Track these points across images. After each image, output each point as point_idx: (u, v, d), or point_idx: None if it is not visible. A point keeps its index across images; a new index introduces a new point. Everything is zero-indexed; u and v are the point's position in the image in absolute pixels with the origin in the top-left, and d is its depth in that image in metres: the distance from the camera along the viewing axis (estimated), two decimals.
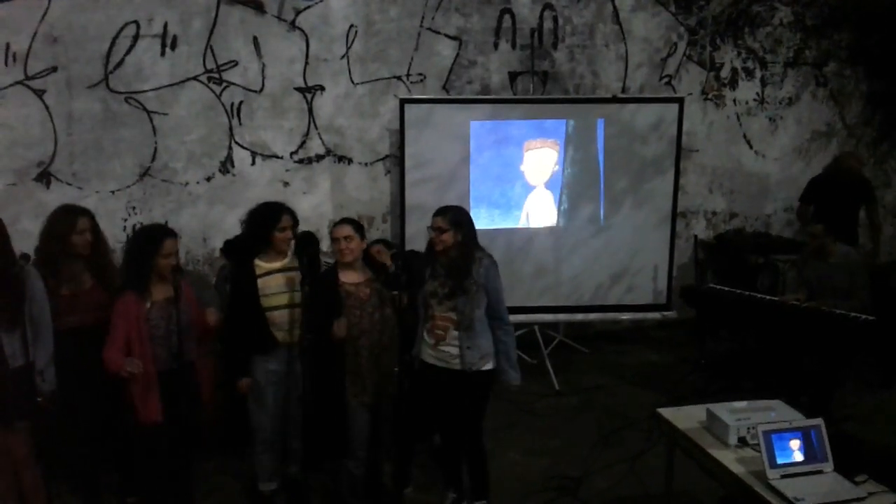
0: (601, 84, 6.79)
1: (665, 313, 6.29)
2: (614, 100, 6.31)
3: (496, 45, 6.48)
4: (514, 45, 6.53)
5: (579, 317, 6.31)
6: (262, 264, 4.03)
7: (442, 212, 3.84)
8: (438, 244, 3.80)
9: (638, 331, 7.11)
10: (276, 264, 4.05)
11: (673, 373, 6.13)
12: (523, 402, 5.57)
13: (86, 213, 3.97)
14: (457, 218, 3.83)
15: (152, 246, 3.66)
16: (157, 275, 3.67)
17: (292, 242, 4.17)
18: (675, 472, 3.82)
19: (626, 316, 6.50)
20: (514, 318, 5.87)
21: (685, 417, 3.69)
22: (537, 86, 6.61)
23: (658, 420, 3.82)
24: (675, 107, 6.11)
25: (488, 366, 3.85)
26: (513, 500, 4.32)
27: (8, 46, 5.33)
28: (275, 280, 4.02)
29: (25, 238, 4.09)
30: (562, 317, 6.35)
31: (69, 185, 5.53)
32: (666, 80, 6.99)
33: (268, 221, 4.04)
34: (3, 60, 5.33)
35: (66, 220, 3.87)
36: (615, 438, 5.05)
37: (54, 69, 5.43)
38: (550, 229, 6.09)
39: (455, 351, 3.83)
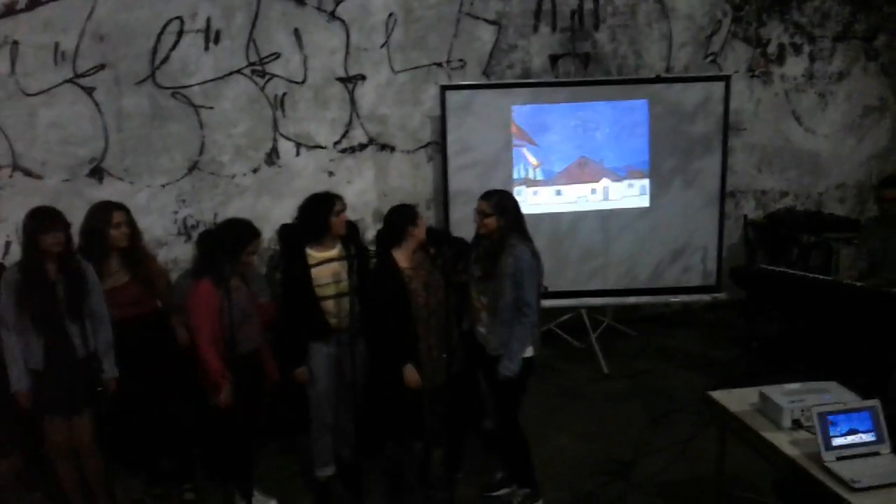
0: (644, 64, 6.69)
1: (715, 295, 6.21)
2: (658, 80, 6.22)
3: (536, 28, 6.43)
4: (554, 28, 6.46)
5: (631, 300, 6.25)
6: (313, 254, 4.09)
7: (487, 196, 3.87)
8: (481, 228, 3.83)
9: (687, 313, 7.02)
10: (328, 254, 4.10)
11: (723, 355, 6.05)
12: (572, 387, 5.56)
13: (121, 207, 4.08)
14: (501, 203, 3.84)
15: (240, 245, 3.77)
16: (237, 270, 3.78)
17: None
18: (727, 455, 3.78)
19: (675, 299, 6.41)
20: (561, 302, 5.98)
21: (737, 400, 3.65)
22: (579, 68, 6.54)
23: (709, 403, 3.77)
24: (721, 85, 6.01)
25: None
26: (564, 485, 4.32)
27: (57, 45, 5.44)
28: (326, 270, 4.08)
29: None
30: (611, 300, 6.30)
31: (121, 180, 5.65)
32: (711, 58, 6.86)
33: (323, 207, 4.09)
34: (52, 59, 5.45)
35: (102, 215, 3.99)
36: (665, 422, 5.02)
37: (102, 67, 5.53)
38: (597, 212, 6.04)
39: (484, 332, 3.92)
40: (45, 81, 5.44)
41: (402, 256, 3.97)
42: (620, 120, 5.96)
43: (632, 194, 6.05)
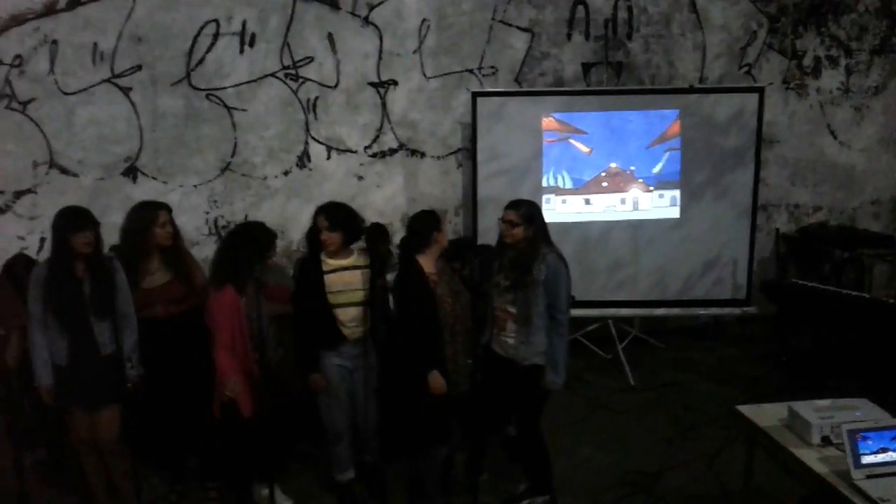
0: (678, 74, 6.65)
1: (745, 309, 6.13)
2: (692, 90, 6.18)
3: (569, 37, 6.42)
4: (587, 36, 6.45)
5: (660, 312, 6.20)
6: (328, 261, 4.04)
7: (515, 205, 3.84)
8: (509, 237, 3.80)
9: (716, 326, 6.94)
10: (342, 262, 4.06)
11: (752, 370, 5.98)
12: (597, 397, 5.53)
13: (165, 206, 4.13)
14: (529, 213, 3.82)
15: (259, 248, 3.79)
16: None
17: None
18: (755, 470, 3.73)
19: (704, 311, 6.34)
20: (588, 311, 5.94)
21: (766, 415, 3.60)
22: (611, 77, 6.52)
23: (737, 417, 3.72)
24: (755, 97, 5.96)
25: (543, 361, 3.84)
26: (586, 496, 4.29)
27: (95, 46, 5.54)
28: (341, 277, 4.03)
29: (114, 231, 4.24)
30: (639, 311, 6.25)
31: (154, 179, 5.72)
32: (746, 69, 6.80)
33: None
34: (91, 59, 5.55)
35: (148, 214, 4.03)
36: (692, 435, 4.96)
37: (139, 67, 5.61)
38: (627, 222, 6.01)
39: (512, 342, 3.86)
40: (84, 81, 5.53)
41: (426, 262, 3.95)
42: (652, 130, 5.92)
43: (662, 205, 6.01)
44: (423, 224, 4.02)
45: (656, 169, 5.93)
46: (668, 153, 5.92)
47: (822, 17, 6.91)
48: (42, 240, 5.42)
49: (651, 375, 6.00)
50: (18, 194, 5.56)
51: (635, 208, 5.99)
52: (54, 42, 5.46)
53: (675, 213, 6.02)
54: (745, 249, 6.06)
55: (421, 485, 4.17)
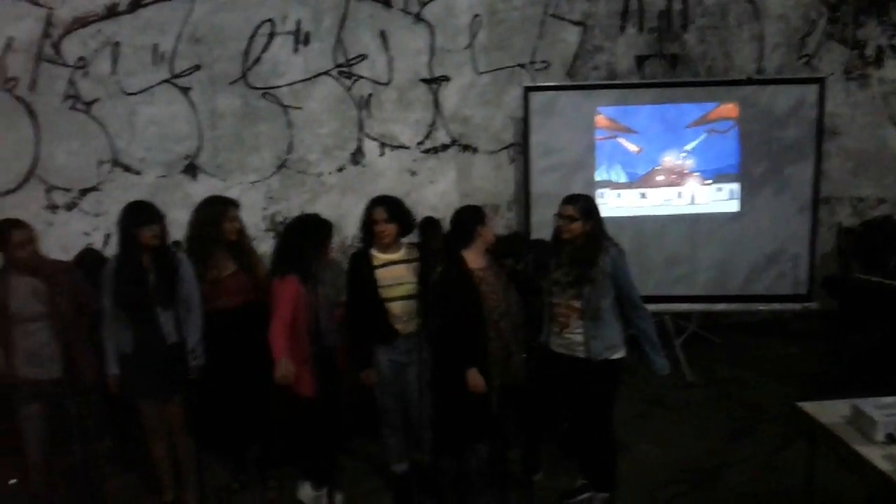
0: (734, 66, 6.53)
1: (806, 304, 5.99)
2: (749, 82, 6.04)
3: (623, 29, 6.36)
4: (641, 29, 6.38)
5: (719, 307, 6.09)
6: (379, 255, 4.04)
7: (572, 200, 3.79)
8: (567, 233, 3.75)
9: (775, 322, 6.80)
10: (392, 256, 4.07)
11: (813, 366, 5.84)
12: (654, 393, 5.46)
13: (233, 202, 4.23)
14: (587, 207, 3.77)
15: (319, 238, 3.85)
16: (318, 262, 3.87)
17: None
18: (815, 468, 3.65)
19: (764, 307, 6.21)
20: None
21: (828, 412, 3.50)
22: (666, 69, 6.43)
23: (798, 414, 3.64)
24: (815, 88, 5.81)
25: (617, 355, 3.79)
26: (642, 492, 4.24)
27: (156, 47, 5.69)
28: (392, 271, 4.03)
29: (175, 226, 4.35)
30: (697, 306, 6.15)
31: (213, 176, 5.86)
32: (805, 59, 6.63)
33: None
34: (151, 60, 5.70)
35: (219, 209, 4.13)
36: (751, 432, 4.87)
37: (198, 67, 5.76)
38: (684, 216, 5.93)
39: (580, 339, 3.79)
40: (144, 81, 5.70)
41: (471, 258, 3.93)
42: (709, 123, 5.83)
43: (720, 199, 5.90)
44: (467, 219, 3.98)
45: (689, 147, 5.83)
46: (705, 135, 5.82)
47: (882, 6, 6.70)
48: (107, 236, 5.60)
49: (708, 371, 5.91)
50: (84, 192, 5.76)
51: (692, 202, 5.90)
52: (116, 44, 5.64)
53: (733, 206, 5.91)
54: (807, 244, 5.91)
55: (468, 481, 4.17)
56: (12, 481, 4.23)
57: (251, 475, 4.44)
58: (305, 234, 3.97)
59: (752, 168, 5.86)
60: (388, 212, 3.96)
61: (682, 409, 5.29)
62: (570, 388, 3.88)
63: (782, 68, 6.57)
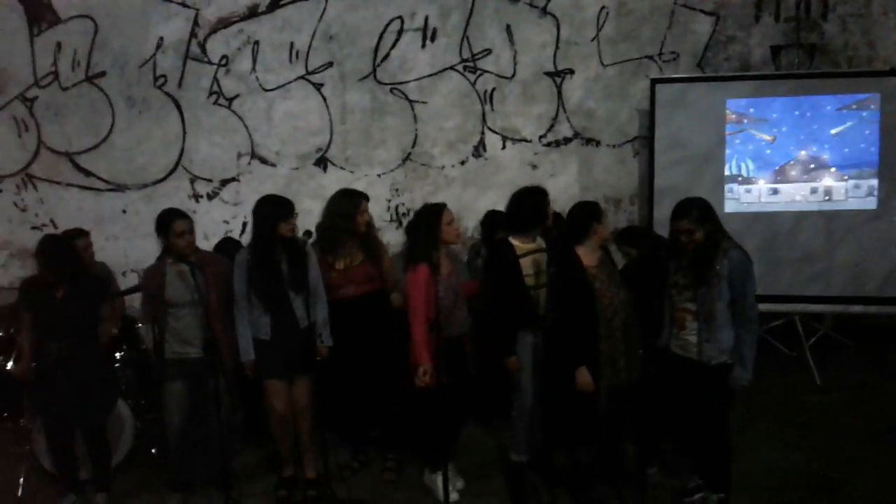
0: (878, 56, 6.16)
1: None
2: (894, 73, 5.70)
3: (757, 18, 6.13)
4: (777, 18, 6.13)
5: (856, 309, 5.79)
6: (519, 245, 4.13)
7: (685, 213, 3.69)
8: (691, 244, 3.69)
9: None
10: (530, 245, 4.16)
11: None
12: (780, 396, 5.27)
13: (365, 195, 4.41)
14: (701, 214, 3.69)
15: (434, 218, 3.98)
16: (441, 246, 3.99)
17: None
18: None
19: None
20: (773, 306, 5.66)
21: None
22: (804, 60, 6.15)
23: None
24: None
25: (731, 360, 3.71)
26: (762, 496, 4.12)
27: (292, 45, 5.97)
28: (529, 260, 4.13)
29: (306, 216, 4.59)
30: (832, 308, 5.87)
31: (342, 169, 6.09)
32: None
33: (536, 200, 4.16)
34: (287, 57, 5.98)
35: (352, 201, 4.32)
36: (883, 440, 4.62)
37: (330, 64, 6.00)
38: (819, 213, 5.67)
39: (694, 340, 3.74)
40: (281, 77, 5.99)
41: (585, 254, 3.92)
42: (848, 115, 5.54)
43: (858, 195, 5.61)
44: (583, 215, 3.98)
45: (834, 131, 5.55)
46: (851, 123, 5.55)
47: None
48: (244, 224, 5.93)
49: (839, 376, 5.64)
50: (224, 182, 6.12)
51: (827, 198, 5.64)
52: (256, 42, 5.95)
53: (871, 203, 5.60)
54: None
55: (580, 474, 4.17)
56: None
57: (370, 455, 4.61)
58: (419, 224, 4.10)
59: (892, 163, 5.53)
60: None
61: (809, 414, 5.08)
62: (686, 388, 3.83)
63: None
